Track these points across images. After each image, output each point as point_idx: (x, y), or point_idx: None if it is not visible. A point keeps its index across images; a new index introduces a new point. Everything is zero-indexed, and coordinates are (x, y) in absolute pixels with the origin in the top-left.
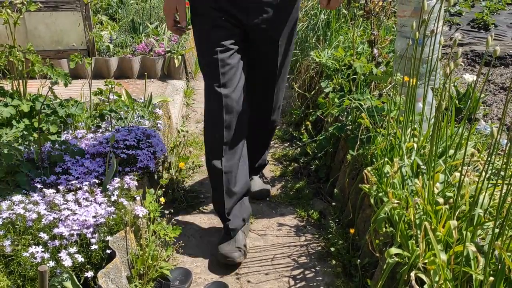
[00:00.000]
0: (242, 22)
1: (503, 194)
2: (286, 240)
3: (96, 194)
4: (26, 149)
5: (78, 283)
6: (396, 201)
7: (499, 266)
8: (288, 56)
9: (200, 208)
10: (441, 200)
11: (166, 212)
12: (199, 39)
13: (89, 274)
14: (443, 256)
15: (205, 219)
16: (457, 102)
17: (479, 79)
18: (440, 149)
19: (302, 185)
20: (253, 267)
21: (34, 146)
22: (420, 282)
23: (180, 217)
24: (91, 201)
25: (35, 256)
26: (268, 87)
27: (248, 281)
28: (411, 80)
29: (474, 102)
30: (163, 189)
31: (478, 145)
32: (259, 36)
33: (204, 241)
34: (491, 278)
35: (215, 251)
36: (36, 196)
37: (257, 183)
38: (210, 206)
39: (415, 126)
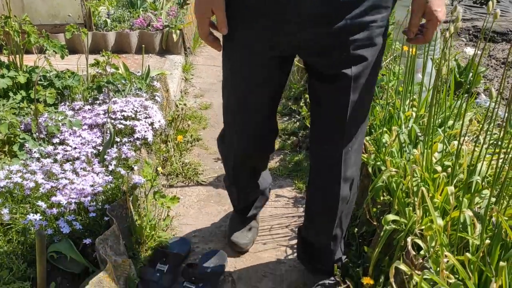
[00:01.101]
0: None
1: (500, 163)
2: (284, 211)
3: (94, 164)
4: (23, 121)
5: (76, 250)
6: (394, 170)
7: (496, 231)
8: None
9: (198, 180)
10: (439, 168)
11: (165, 183)
12: None
13: (87, 241)
14: (440, 221)
15: (203, 191)
16: (457, 76)
17: (479, 52)
18: (439, 120)
19: (301, 158)
20: None
21: (31, 117)
22: (417, 248)
23: (178, 189)
24: (88, 170)
25: (33, 223)
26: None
27: (246, 250)
28: (411, 50)
29: (474, 71)
30: (161, 161)
31: (478, 116)
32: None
33: (202, 212)
34: (487, 241)
35: (214, 221)
36: (33, 166)
37: None
38: (209, 179)
39: (414, 96)
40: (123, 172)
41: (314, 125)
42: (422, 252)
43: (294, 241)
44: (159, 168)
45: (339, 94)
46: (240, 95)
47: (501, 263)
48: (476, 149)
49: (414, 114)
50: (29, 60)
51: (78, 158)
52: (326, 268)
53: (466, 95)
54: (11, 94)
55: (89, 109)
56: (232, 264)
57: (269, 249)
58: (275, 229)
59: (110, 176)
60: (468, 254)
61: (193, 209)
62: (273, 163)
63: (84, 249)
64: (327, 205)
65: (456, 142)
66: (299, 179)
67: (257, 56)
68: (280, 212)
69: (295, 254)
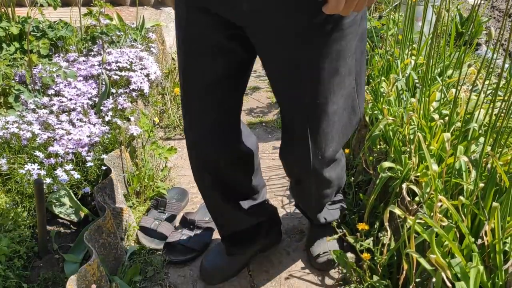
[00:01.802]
0: None
1: (497, 111)
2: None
3: (90, 115)
4: (18, 72)
5: (75, 199)
6: (391, 118)
7: (490, 176)
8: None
9: None
10: (436, 116)
11: (162, 136)
12: None
13: (86, 189)
14: (435, 167)
15: None
16: (459, 26)
17: (482, 2)
18: (439, 70)
19: None
20: None
21: (25, 69)
22: (412, 194)
23: (176, 142)
24: (85, 121)
25: (31, 173)
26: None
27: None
28: None
29: (475, 21)
30: (158, 113)
31: (477, 64)
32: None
33: None
34: (482, 184)
35: None
36: (29, 117)
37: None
38: None
39: (414, 45)
40: (119, 122)
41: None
42: (417, 199)
43: None
44: (156, 119)
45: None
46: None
47: (494, 204)
48: (474, 97)
49: (413, 62)
50: (21, 12)
51: (74, 109)
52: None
53: (465, 45)
54: (4, 45)
55: (83, 61)
56: None
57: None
58: (272, 180)
59: (106, 127)
60: (461, 198)
61: None
62: (271, 116)
63: (84, 199)
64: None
65: (454, 90)
66: None
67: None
68: (278, 163)
69: (292, 203)
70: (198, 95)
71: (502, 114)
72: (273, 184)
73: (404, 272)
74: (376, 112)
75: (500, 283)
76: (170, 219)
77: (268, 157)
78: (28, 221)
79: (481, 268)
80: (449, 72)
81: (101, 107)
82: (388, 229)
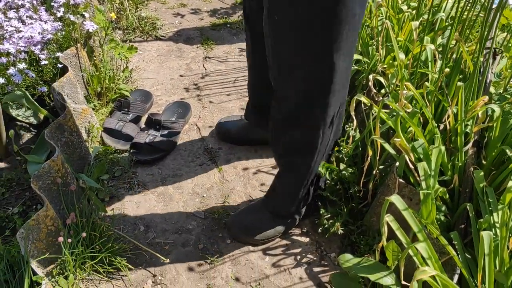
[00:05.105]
0: None
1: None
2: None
3: (40, 12)
4: None
5: (32, 99)
6: None
7: (455, 63)
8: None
9: (157, 35)
10: (404, 8)
11: (121, 38)
12: None
13: (43, 89)
14: (402, 56)
15: (163, 46)
16: None
17: None
18: None
19: None
20: (215, 89)
21: None
22: (379, 86)
23: (136, 44)
24: (35, 18)
25: None
26: None
27: (210, 101)
28: None
29: None
30: (116, 13)
31: None
32: None
33: (163, 66)
34: (447, 69)
35: (176, 74)
36: None
37: None
38: (168, 34)
39: None
40: (72, 18)
41: None
42: (383, 91)
43: None
44: (112, 14)
45: None
46: None
47: (459, 83)
48: None
49: None
50: None
51: (22, 6)
52: None
53: None
54: None
55: None
56: (197, 114)
57: (233, 100)
58: (239, 81)
59: (59, 23)
60: (427, 83)
61: (153, 64)
62: (235, 17)
63: (41, 101)
64: None
65: None
66: None
67: None
68: (244, 65)
69: None
70: None
71: (468, 6)
72: (240, 85)
73: (369, 159)
74: None
75: (460, 164)
76: (135, 120)
77: (234, 59)
78: None
79: (443, 148)
80: None
81: (52, 3)
82: (354, 118)
